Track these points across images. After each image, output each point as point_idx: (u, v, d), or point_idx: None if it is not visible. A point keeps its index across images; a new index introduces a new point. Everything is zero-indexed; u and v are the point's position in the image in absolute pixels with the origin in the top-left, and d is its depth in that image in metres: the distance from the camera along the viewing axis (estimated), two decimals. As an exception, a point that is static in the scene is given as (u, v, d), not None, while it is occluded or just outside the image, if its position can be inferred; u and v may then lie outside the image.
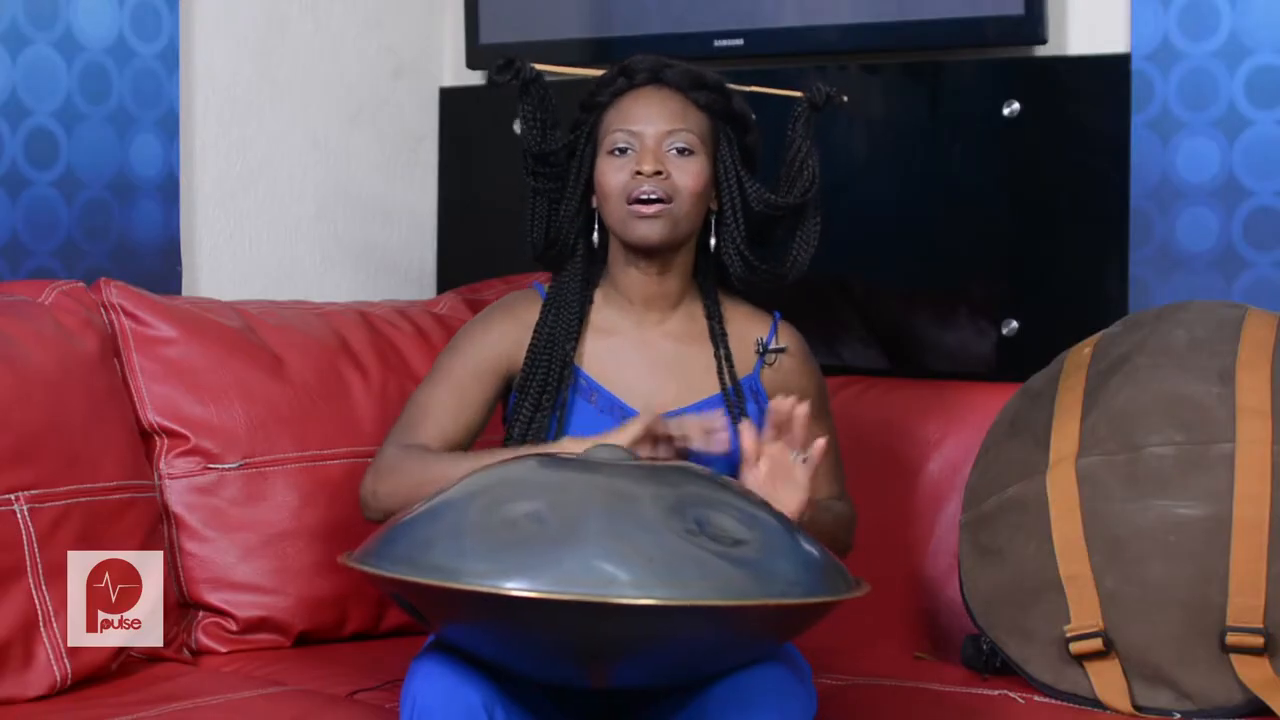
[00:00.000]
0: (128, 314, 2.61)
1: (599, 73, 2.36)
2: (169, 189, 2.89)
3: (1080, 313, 2.71)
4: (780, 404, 2.16)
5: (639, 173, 2.25)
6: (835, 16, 2.92)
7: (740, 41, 2.99)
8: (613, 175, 2.28)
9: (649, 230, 2.27)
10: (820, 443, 2.15)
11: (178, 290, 2.90)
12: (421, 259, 3.31)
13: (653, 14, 3.08)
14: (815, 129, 2.33)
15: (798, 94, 2.34)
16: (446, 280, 3.28)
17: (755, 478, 2.15)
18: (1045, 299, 2.78)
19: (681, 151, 2.27)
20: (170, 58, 2.88)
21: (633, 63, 2.32)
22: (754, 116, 2.35)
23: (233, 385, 2.63)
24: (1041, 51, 2.78)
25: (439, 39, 3.33)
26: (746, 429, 2.17)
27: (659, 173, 2.25)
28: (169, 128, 2.88)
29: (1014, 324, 2.79)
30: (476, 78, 3.28)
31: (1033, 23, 2.74)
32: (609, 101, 2.32)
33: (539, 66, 2.35)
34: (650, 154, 2.26)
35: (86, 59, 2.78)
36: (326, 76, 3.16)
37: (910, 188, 2.88)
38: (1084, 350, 2.48)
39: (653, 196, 2.25)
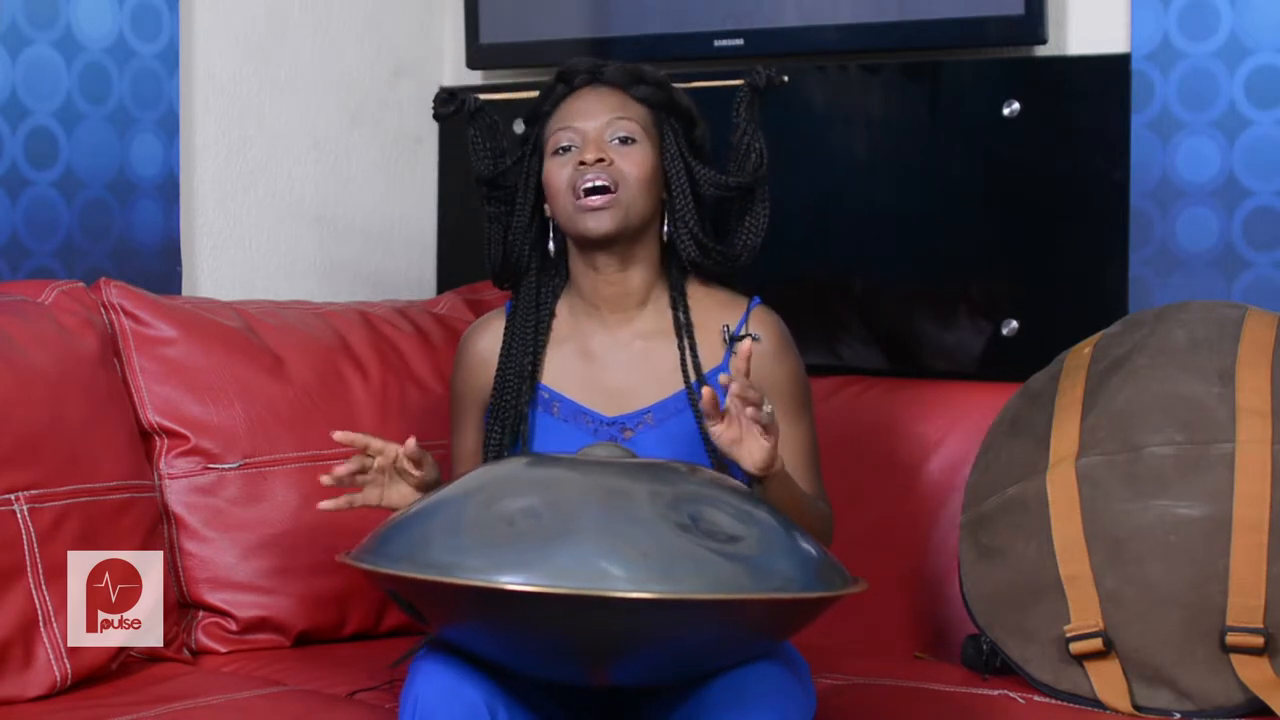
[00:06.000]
0: (128, 314, 2.61)
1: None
2: (169, 189, 2.89)
3: (1080, 313, 2.71)
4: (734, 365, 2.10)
5: (582, 163, 2.26)
6: (835, 16, 2.92)
7: (740, 41, 2.99)
8: (558, 172, 2.29)
9: (598, 223, 2.27)
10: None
11: (178, 290, 2.90)
12: (421, 259, 3.31)
13: (653, 14, 3.08)
14: (761, 114, 2.33)
15: (738, 82, 2.34)
16: (446, 280, 3.27)
17: (718, 432, 2.11)
18: (1045, 299, 2.78)
19: (624, 140, 2.29)
20: (170, 58, 2.88)
21: (570, 67, 2.35)
22: (699, 115, 2.36)
23: (233, 385, 2.63)
24: (1041, 51, 2.78)
25: (439, 39, 3.33)
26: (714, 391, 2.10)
27: (602, 159, 2.26)
28: (169, 128, 2.88)
29: (1014, 324, 2.78)
30: (476, 78, 3.28)
31: (1033, 23, 2.73)
32: (551, 109, 2.34)
33: (497, 97, 2.41)
34: (593, 144, 2.27)
35: (86, 59, 2.78)
36: (326, 76, 3.16)
37: (910, 188, 2.88)
38: (1084, 350, 2.48)
39: (598, 184, 2.25)
